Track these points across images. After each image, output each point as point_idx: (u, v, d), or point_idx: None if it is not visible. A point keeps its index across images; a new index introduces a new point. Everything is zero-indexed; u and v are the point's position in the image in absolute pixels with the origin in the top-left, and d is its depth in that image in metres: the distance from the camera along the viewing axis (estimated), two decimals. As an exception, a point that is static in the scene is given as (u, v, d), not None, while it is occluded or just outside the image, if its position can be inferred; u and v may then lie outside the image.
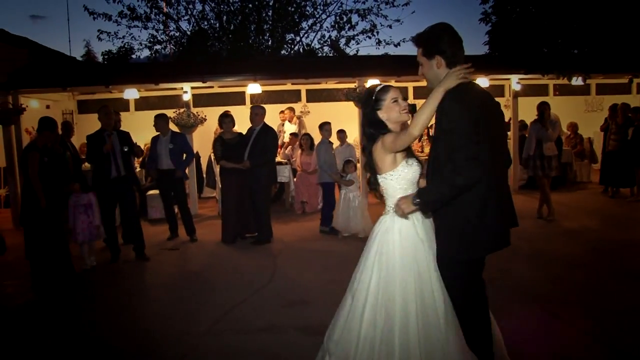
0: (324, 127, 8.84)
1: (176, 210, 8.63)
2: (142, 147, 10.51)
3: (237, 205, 7.96)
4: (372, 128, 3.10)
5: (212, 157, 9.74)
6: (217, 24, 19.02)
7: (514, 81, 11.78)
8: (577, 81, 11.80)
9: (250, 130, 7.99)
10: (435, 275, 2.91)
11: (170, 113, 9.70)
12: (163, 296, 5.89)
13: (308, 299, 5.30)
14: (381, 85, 3.16)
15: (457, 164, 2.67)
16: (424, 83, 3.24)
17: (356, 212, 8.03)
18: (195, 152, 11.28)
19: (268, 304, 5.31)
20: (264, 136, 7.85)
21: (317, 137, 11.18)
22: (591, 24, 11.42)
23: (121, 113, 9.56)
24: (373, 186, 3.20)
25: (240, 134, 8.22)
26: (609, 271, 5.98)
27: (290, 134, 11.90)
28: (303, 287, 5.77)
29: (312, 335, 4.12)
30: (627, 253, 6.72)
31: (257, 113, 7.93)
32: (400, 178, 3.02)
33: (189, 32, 19.09)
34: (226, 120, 8.18)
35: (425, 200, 2.79)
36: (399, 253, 2.93)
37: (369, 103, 3.13)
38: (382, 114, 3.09)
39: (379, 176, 3.09)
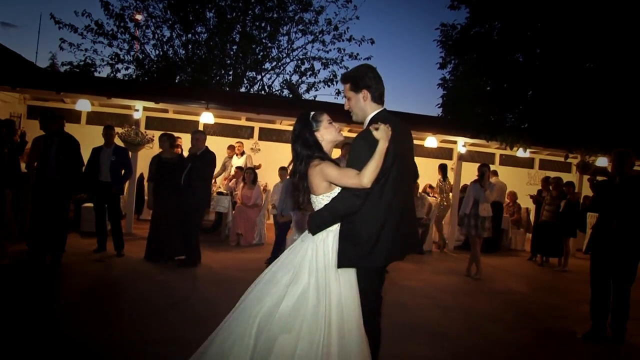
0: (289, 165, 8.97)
1: (109, 227, 8.41)
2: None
3: (164, 225, 7.87)
4: (309, 150, 3.17)
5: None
6: (183, 52, 19.21)
7: (460, 144, 12.20)
8: (519, 151, 12.33)
9: (191, 154, 7.95)
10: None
11: (120, 130, 9.62)
12: (75, 302, 5.68)
13: (220, 319, 5.19)
14: (315, 111, 3.28)
15: (343, 194, 3.03)
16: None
17: None
18: (140, 173, 11.16)
19: (177, 319, 5.22)
20: (202, 159, 7.79)
21: (262, 175, 11.34)
22: (537, 103, 11.97)
23: (72, 125, 9.39)
24: (303, 205, 3.25)
25: (181, 155, 8.17)
26: (524, 327, 6.08)
27: (237, 167, 11.89)
28: (218, 308, 5.62)
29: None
30: (544, 314, 6.89)
31: (197, 138, 7.88)
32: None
33: (153, 57, 19.19)
34: (164, 138, 8.15)
35: (309, 224, 3.12)
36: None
37: (307, 126, 3.22)
38: (319, 135, 3.21)
39: (314, 196, 3.16)
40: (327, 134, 3.22)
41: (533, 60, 12.71)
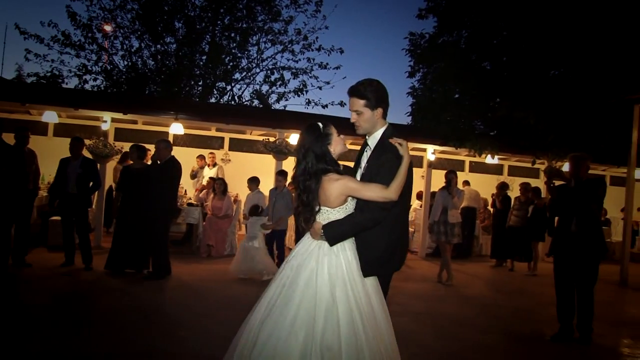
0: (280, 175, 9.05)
1: (77, 240, 8.24)
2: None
3: (126, 235, 7.82)
4: (325, 164, 3.09)
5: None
6: (152, 63, 19.07)
7: (429, 152, 12.33)
8: (487, 158, 12.52)
9: (153, 163, 7.88)
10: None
11: (88, 141, 9.49)
12: (41, 317, 5.49)
13: (195, 332, 5.14)
14: (322, 123, 3.20)
15: (370, 207, 3.04)
16: (348, 146, 3.49)
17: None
18: (109, 185, 11.01)
19: (149, 331, 5.14)
20: (162, 168, 7.74)
21: (233, 186, 11.30)
22: (504, 110, 12.13)
23: (38, 137, 9.20)
24: (310, 223, 3.17)
25: (147, 165, 8.14)
26: (494, 331, 6.15)
27: (210, 178, 11.80)
28: (190, 319, 5.62)
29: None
30: (514, 317, 6.99)
31: (158, 147, 7.81)
32: (347, 211, 3.10)
33: (121, 67, 19.01)
34: (133, 149, 8.19)
35: (328, 235, 3.04)
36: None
37: (320, 139, 3.11)
38: (331, 148, 3.15)
39: (329, 209, 3.08)
40: (337, 147, 3.18)
41: (500, 68, 12.93)
